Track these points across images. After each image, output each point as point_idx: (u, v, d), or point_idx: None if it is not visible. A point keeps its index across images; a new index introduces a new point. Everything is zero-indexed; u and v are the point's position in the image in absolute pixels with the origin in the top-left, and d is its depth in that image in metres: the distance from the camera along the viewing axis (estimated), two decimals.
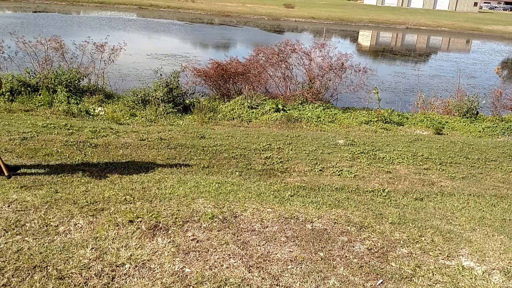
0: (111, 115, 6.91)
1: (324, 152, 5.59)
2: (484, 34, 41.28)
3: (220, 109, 8.31)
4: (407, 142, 6.52)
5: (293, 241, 2.73)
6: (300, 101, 8.94)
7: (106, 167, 4.26)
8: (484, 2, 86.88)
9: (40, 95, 7.55)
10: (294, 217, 3.07)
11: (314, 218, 3.09)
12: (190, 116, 7.86)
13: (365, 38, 35.49)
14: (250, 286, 2.23)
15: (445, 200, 4.32)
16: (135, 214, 2.84)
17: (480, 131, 8.22)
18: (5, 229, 2.52)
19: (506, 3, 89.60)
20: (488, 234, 3.23)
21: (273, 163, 5.03)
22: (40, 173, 3.83)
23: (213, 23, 35.57)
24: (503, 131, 8.26)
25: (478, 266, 2.63)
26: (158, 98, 7.92)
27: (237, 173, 4.59)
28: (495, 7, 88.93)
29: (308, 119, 8.09)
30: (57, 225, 2.65)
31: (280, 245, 2.66)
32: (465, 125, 8.50)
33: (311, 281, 2.32)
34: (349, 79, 9.65)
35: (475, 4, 72.76)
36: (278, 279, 2.32)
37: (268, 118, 8.01)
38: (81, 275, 2.17)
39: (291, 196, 3.76)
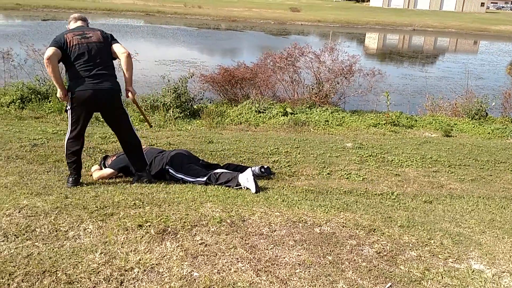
0: None
1: (332, 155, 5.59)
2: (492, 34, 40.99)
3: (227, 113, 8.34)
4: (416, 144, 6.49)
5: (301, 244, 2.72)
6: (308, 105, 8.94)
7: None
8: (491, 2, 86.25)
9: (50, 102, 7.64)
10: (302, 220, 3.07)
11: (322, 221, 3.08)
12: (198, 121, 7.90)
13: (372, 40, 35.44)
14: None
15: (454, 202, 4.28)
16: (144, 219, 2.86)
17: (489, 133, 8.16)
18: (15, 235, 2.56)
19: None
20: (498, 236, 3.20)
21: (281, 166, 5.03)
22: (50, 179, 3.87)
23: (220, 28, 35.75)
24: None
25: (488, 269, 2.61)
26: (167, 104, 7.98)
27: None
28: (502, 7, 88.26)
29: (316, 122, 8.09)
30: (67, 230, 2.68)
31: (288, 249, 2.66)
32: (474, 127, 8.43)
33: (320, 285, 2.32)
34: (358, 82, 9.64)
35: (482, 4, 72.28)
36: (286, 283, 2.32)
37: (276, 122, 8.02)
38: (90, 280, 2.19)
39: (299, 199, 3.76)
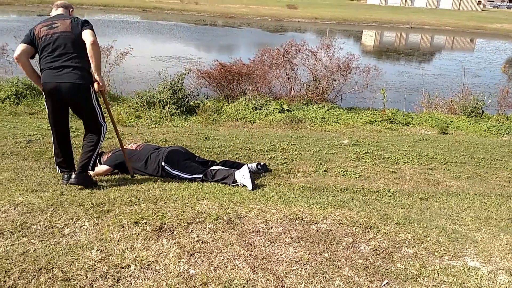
0: (116, 118, 6.94)
1: (328, 152, 5.59)
2: (488, 32, 41.08)
3: (224, 110, 8.32)
4: (412, 142, 6.50)
5: (298, 242, 2.73)
6: (304, 102, 8.93)
7: None
8: (488, 1, 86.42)
9: None
10: (298, 218, 3.07)
11: (319, 219, 3.09)
12: (194, 118, 7.88)
13: (369, 38, 35.44)
14: (255, 287, 2.23)
15: (450, 200, 4.30)
16: (140, 216, 2.85)
17: (485, 130, 8.19)
18: (11, 231, 2.54)
19: (510, 1, 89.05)
20: (494, 234, 3.21)
21: (278, 163, 5.03)
22: (45, 175, 3.85)
23: (217, 24, 35.63)
24: (508, 130, 8.22)
25: (483, 266, 2.62)
26: (163, 100, 7.95)
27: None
28: (499, 5, 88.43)
29: (312, 119, 8.09)
30: (63, 227, 2.67)
31: (285, 246, 2.66)
32: (470, 125, 8.46)
33: (316, 282, 2.32)
34: (354, 79, 9.64)
35: (479, 2, 72.40)
36: (283, 280, 2.32)
37: (272, 119, 8.01)
38: (87, 277, 2.18)
39: (296, 197, 3.76)
